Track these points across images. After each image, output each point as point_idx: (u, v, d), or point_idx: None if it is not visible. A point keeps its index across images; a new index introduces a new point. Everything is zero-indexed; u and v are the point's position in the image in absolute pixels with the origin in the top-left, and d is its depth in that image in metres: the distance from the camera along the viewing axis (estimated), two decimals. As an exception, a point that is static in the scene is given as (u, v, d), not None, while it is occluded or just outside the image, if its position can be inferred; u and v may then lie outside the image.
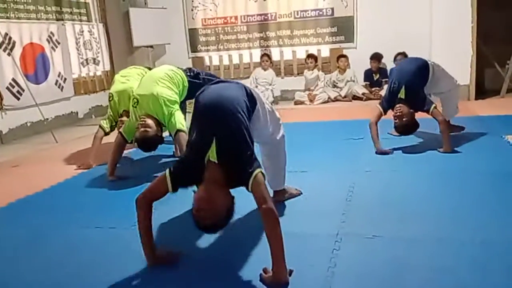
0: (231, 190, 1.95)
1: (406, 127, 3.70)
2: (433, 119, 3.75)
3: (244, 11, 7.65)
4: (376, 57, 6.93)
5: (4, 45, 5.53)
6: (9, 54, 5.54)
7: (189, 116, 2.64)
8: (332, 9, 7.26)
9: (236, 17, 7.70)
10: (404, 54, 6.24)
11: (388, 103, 3.80)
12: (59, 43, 6.42)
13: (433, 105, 3.68)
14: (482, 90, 6.52)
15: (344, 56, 7.11)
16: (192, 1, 7.80)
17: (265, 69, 7.24)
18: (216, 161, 1.90)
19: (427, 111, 3.69)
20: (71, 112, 6.78)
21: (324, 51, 7.51)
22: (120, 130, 3.55)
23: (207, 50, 7.95)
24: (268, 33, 7.63)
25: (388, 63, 6.69)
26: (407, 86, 3.69)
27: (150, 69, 4.33)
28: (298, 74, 7.52)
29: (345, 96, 6.94)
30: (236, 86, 2.20)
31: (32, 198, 3.30)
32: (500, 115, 5.06)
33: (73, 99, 6.77)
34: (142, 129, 3.23)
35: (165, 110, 3.31)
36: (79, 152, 4.60)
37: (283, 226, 1.85)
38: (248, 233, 2.33)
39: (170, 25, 7.74)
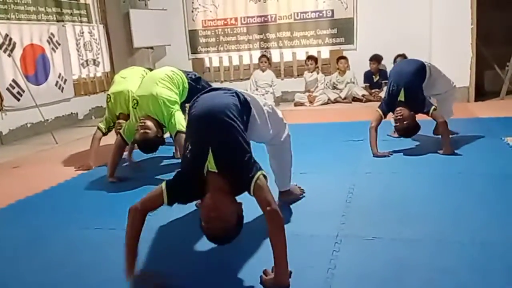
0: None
1: (407, 129, 3.69)
2: (433, 121, 3.75)
3: (244, 12, 7.65)
4: (376, 59, 6.93)
5: (4, 46, 5.53)
6: (9, 55, 5.54)
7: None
8: (332, 10, 7.26)
9: (236, 19, 7.70)
10: (404, 56, 6.21)
11: (388, 106, 3.80)
12: (59, 44, 6.43)
13: (433, 107, 3.68)
14: (482, 92, 6.51)
15: (344, 57, 7.12)
16: (192, 3, 7.80)
17: (263, 70, 7.23)
18: (216, 171, 1.89)
19: (427, 113, 3.69)
20: (71, 113, 6.79)
21: (324, 53, 7.51)
22: (120, 131, 3.54)
23: (207, 52, 7.95)
24: (268, 34, 7.63)
25: (388, 64, 6.66)
26: (406, 88, 3.68)
27: (151, 70, 4.32)
28: (298, 75, 7.51)
29: (345, 98, 6.94)
30: (228, 93, 2.18)
31: (32, 199, 3.30)
32: (500, 117, 5.06)
33: (73, 100, 6.77)
34: (142, 131, 3.21)
35: (165, 110, 3.29)
36: (79, 153, 4.60)
37: (282, 227, 1.85)
38: (248, 234, 2.32)
39: (170, 26, 7.74)
